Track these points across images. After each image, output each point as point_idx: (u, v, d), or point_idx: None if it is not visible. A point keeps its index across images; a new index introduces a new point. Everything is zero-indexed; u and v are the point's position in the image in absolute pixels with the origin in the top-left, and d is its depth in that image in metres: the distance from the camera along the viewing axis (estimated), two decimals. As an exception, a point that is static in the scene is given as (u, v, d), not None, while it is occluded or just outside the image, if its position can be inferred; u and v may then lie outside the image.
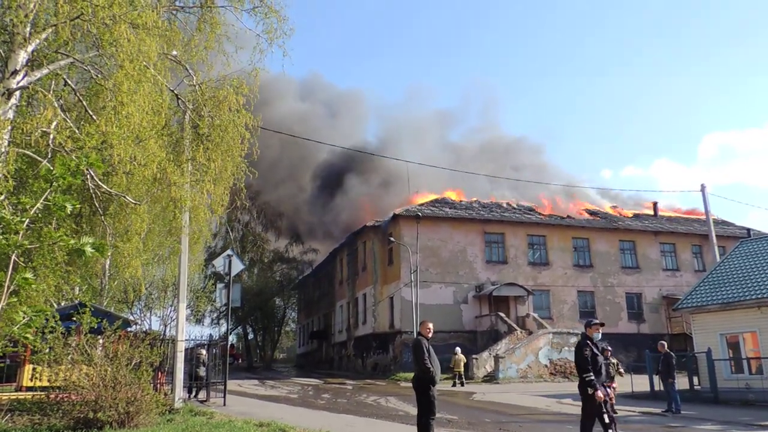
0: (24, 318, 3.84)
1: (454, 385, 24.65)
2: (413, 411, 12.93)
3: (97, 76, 8.14)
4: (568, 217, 38.38)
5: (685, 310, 20.67)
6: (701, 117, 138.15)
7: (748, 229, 35.22)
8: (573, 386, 24.50)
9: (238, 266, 16.88)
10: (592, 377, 7.93)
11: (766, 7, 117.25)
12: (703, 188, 27.44)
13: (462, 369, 25.35)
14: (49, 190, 3.69)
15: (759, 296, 17.95)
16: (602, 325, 8.74)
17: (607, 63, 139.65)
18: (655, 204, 44.43)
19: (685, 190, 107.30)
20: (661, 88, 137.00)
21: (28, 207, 3.64)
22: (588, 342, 8.28)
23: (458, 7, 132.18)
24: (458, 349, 26.28)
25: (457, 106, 79.52)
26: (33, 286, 3.86)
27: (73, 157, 4.07)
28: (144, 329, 19.65)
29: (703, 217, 30.02)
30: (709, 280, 20.61)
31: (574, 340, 29.09)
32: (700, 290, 20.37)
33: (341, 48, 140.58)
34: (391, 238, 32.46)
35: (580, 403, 8.19)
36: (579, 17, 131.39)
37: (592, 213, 40.51)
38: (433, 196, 37.68)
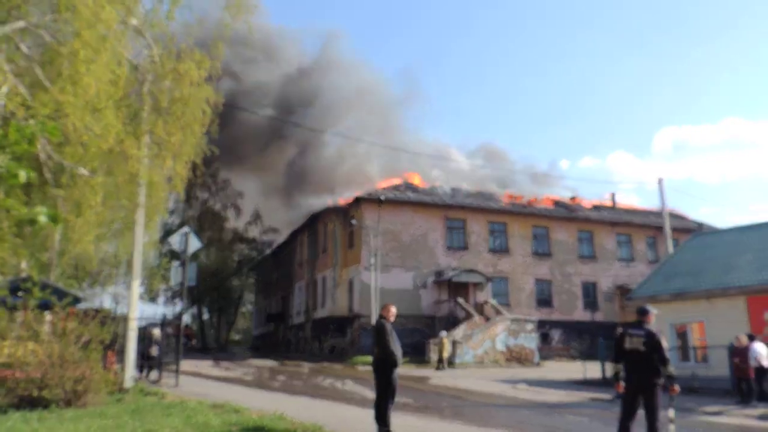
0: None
1: (441, 368, 25.12)
2: (370, 394, 13.10)
3: (52, 42, 7.84)
4: (529, 205, 39.11)
5: (637, 300, 21.39)
6: (657, 110, 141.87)
7: (700, 223, 36.61)
8: (528, 372, 25.31)
9: (195, 244, 16.66)
10: (674, 370, 7.48)
11: (723, 6, 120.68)
12: (660, 181, 28.32)
13: (447, 353, 25.83)
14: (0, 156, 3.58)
15: (708, 287, 18.73)
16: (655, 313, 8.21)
17: (567, 52, 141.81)
18: (613, 195, 45.70)
19: (642, 183, 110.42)
20: (620, 79, 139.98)
21: (-22, 174, 3.52)
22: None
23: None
24: (444, 333, 26.69)
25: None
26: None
27: (30, 123, 3.93)
28: (94, 306, 19.26)
29: (659, 209, 31.02)
30: (662, 271, 21.39)
31: (530, 326, 29.84)
32: (653, 280, 21.13)
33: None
34: (353, 221, 32.47)
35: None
36: (536, 4, 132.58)
37: (553, 202, 41.36)
38: (396, 180, 37.80)
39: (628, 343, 7.72)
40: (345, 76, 42.97)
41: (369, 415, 9.03)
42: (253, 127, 41.43)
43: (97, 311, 13.52)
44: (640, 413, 7.55)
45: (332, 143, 37.81)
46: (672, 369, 7.46)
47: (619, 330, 9.20)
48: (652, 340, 7.53)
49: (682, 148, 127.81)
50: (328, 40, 47.84)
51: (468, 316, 30.53)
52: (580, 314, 37.19)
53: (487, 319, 30.64)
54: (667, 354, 7.49)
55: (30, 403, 9.51)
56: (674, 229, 33.14)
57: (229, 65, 41.40)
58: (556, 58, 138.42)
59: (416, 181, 38.59)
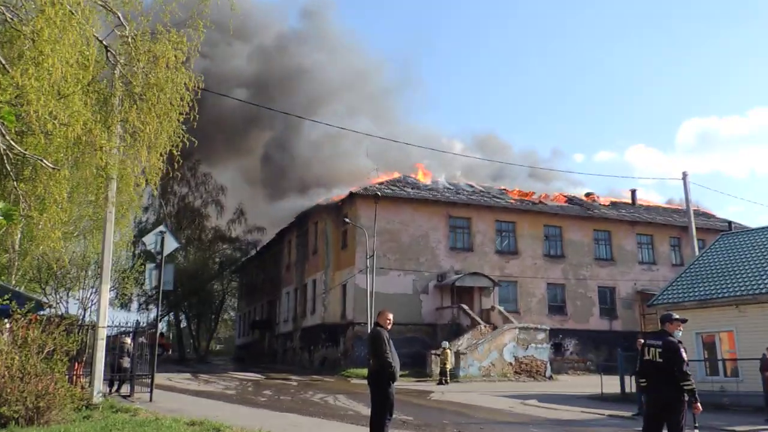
0: None
1: (440, 382, 24.96)
2: (364, 410, 13.08)
3: (12, 20, 7.76)
4: (540, 202, 39.10)
5: (660, 307, 21.39)
6: (680, 101, 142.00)
7: (730, 222, 36.59)
8: (539, 386, 25.33)
9: (171, 244, 16.63)
10: (694, 386, 7.32)
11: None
12: (684, 176, 28.22)
13: (450, 365, 25.73)
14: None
15: (737, 294, 18.71)
16: (684, 321, 8.11)
17: (583, 44, 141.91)
18: (633, 192, 45.61)
19: (665, 178, 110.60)
20: (640, 70, 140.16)
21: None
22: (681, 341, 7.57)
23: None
24: (446, 343, 26.63)
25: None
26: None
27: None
28: (60, 313, 19.19)
29: (683, 207, 31.02)
30: (687, 276, 21.37)
31: (542, 336, 29.84)
32: (677, 286, 21.11)
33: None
34: (347, 219, 32.39)
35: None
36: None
37: (567, 199, 41.37)
38: (396, 174, 37.81)
39: (647, 354, 7.69)
40: (334, 58, 43.03)
41: (364, 434, 9.01)
42: (229, 113, 41.35)
43: (62, 318, 13.47)
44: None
45: (320, 132, 37.80)
46: (692, 384, 7.32)
47: (640, 340, 9.11)
48: (668, 351, 7.45)
49: (707, 140, 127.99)
50: (313, 13, 47.51)
51: (473, 324, 30.52)
52: (597, 322, 37.21)
53: (494, 327, 30.63)
54: (686, 367, 7.36)
55: (-13, 420, 9.47)
56: (700, 229, 33.19)
57: (203, 44, 41.13)
58: (571, 48, 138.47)
59: (420, 176, 38.54)
